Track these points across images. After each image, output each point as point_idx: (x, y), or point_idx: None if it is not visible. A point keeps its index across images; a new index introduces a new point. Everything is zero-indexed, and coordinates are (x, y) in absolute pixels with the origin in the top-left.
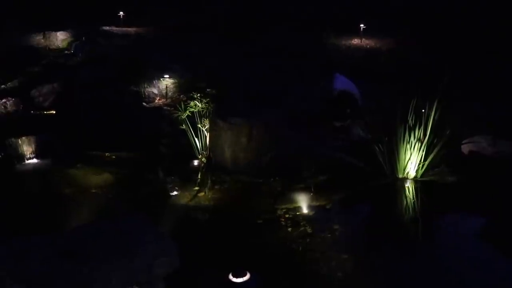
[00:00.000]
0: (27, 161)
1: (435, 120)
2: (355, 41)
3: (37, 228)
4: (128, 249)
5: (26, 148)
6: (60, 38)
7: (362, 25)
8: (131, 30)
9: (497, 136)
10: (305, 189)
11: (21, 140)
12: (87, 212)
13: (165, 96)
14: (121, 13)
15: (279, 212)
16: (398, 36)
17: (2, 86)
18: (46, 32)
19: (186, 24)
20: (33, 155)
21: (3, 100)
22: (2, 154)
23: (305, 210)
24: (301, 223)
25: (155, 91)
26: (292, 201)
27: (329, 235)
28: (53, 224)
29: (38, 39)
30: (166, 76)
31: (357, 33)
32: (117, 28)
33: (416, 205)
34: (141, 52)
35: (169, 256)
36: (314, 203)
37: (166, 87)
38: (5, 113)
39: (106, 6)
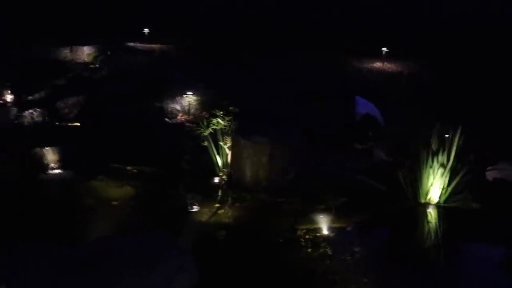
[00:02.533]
0: (50, 171)
1: (459, 145)
2: (377, 65)
3: (57, 238)
4: (148, 263)
5: (50, 158)
6: (86, 52)
7: (384, 49)
8: (155, 46)
9: None
10: (326, 210)
11: (45, 150)
12: (106, 224)
13: (187, 112)
14: (146, 30)
15: (299, 232)
16: (421, 60)
17: (30, 97)
18: (73, 46)
19: (210, 44)
20: (56, 166)
21: (30, 111)
22: (27, 163)
23: (325, 231)
24: (321, 244)
25: (178, 107)
26: (313, 221)
27: (349, 257)
28: (73, 235)
29: (65, 53)
30: (189, 93)
31: (379, 57)
32: (141, 45)
33: (438, 230)
34: (164, 68)
35: (189, 271)
36: (335, 225)
37: (189, 103)
38: (31, 123)
39: (132, 23)
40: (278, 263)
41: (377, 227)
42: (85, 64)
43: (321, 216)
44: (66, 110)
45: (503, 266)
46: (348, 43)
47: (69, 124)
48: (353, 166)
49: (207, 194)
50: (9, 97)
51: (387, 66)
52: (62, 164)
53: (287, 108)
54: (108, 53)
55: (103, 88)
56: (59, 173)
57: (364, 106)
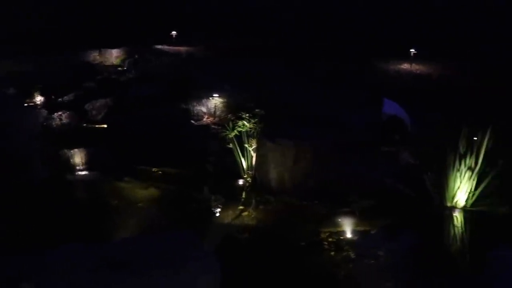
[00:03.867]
0: (77, 172)
1: (487, 148)
2: (405, 66)
3: (85, 239)
4: (175, 263)
5: (78, 159)
6: (114, 55)
7: (412, 50)
8: (182, 49)
9: None
10: (350, 214)
11: (73, 152)
12: (132, 225)
13: (213, 114)
14: (174, 32)
15: (322, 235)
16: (451, 63)
17: (59, 99)
18: (101, 49)
19: (236, 45)
20: (83, 167)
21: (59, 113)
22: (56, 164)
23: (349, 235)
24: (345, 248)
25: (204, 109)
26: (336, 224)
27: (373, 261)
28: (100, 235)
29: (94, 56)
30: (215, 95)
31: (407, 58)
32: (168, 47)
33: (464, 235)
34: (191, 70)
35: (214, 273)
36: (359, 228)
37: (215, 106)
38: (60, 125)
39: (159, 26)
40: (301, 266)
41: (401, 231)
42: (114, 66)
43: (345, 219)
44: (94, 112)
45: None
46: (375, 44)
47: (97, 126)
48: (379, 170)
49: (231, 196)
50: (39, 99)
51: (415, 67)
52: (89, 165)
53: (315, 109)
54: (136, 56)
55: (130, 90)
56: (86, 174)
57: (391, 108)
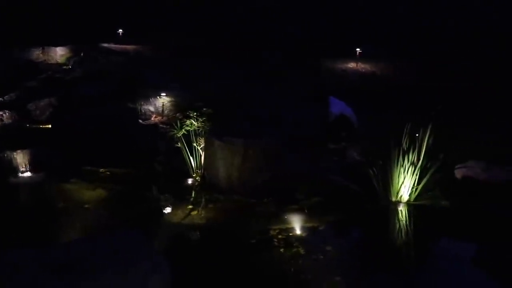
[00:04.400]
0: (21, 174)
1: (429, 144)
2: (351, 65)
3: (29, 242)
4: (122, 265)
5: (21, 161)
6: (59, 53)
7: (358, 49)
8: (130, 47)
9: (490, 161)
10: (299, 211)
11: (16, 153)
12: (80, 227)
13: (161, 114)
14: (120, 30)
15: (272, 232)
16: (394, 61)
17: (0, 99)
18: (45, 47)
19: (184, 44)
20: (27, 169)
21: (0, 113)
22: None
23: (298, 231)
24: (294, 244)
25: (152, 108)
26: (286, 222)
27: (322, 256)
28: (45, 239)
29: (37, 54)
30: (163, 94)
31: (353, 57)
32: (115, 45)
33: (408, 228)
34: (138, 69)
35: (163, 273)
36: (308, 225)
37: (163, 105)
38: (1, 125)
39: (106, 24)
40: (251, 264)
41: (349, 226)
42: (58, 65)
43: (294, 216)
44: (37, 112)
45: (476, 262)
46: (322, 43)
47: (41, 126)
48: (327, 166)
49: (180, 195)
50: None
51: (361, 66)
52: (33, 167)
53: (262, 108)
54: (82, 54)
55: (76, 90)
56: (30, 176)
57: (338, 107)
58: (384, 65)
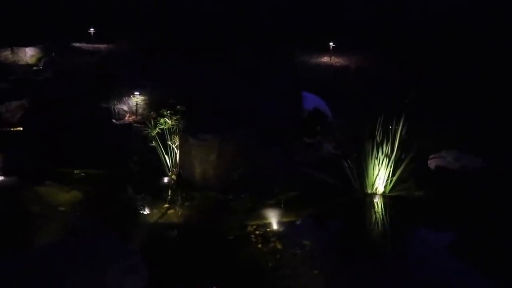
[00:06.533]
0: None
1: (402, 135)
2: (325, 59)
3: (3, 247)
4: (97, 266)
5: None
6: (29, 53)
7: (331, 43)
8: (102, 46)
9: (462, 151)
10: (275, 205)
11: None
12: (55, 230)
13: (135, 113)
14: (92, 29)
15: (249, 228)
16: (367, 54)
17: None
18: (14, 48)
19: (157, 42)
20: None
21: None
22: None
23: (275, 226)
24: (271, 239)
25: (125, 108)
26: (263, 217)
27: (299, 250)
28: (19, 243)
29: (6, 55)
30: (136, 93)
31: (326, 51)
32: (87, 45)
33: (384, 220)
34: (111, 68)
35: (139, 273)
36: (284, 219)
37: (136, 104)
38: None
39: (77, 23)
40: (228, 260)
41: (325, 220)
42: (29, 66)
43: (271, 211)
44: (8, 114)
45: (451, 250)
46: (296, 37)
47: (12, 128)
48: (302, 160)
49: (156, 194)
50: None
51: (335, 60)
52: (5, 170)
53: (236, 103)
54: (53, 54)
55: (48, 91)
56: (2, 180)
57: (312, 101)
58: (358, 58)
